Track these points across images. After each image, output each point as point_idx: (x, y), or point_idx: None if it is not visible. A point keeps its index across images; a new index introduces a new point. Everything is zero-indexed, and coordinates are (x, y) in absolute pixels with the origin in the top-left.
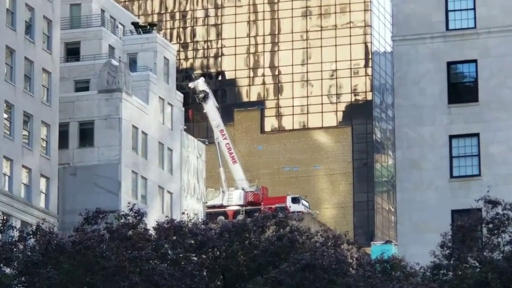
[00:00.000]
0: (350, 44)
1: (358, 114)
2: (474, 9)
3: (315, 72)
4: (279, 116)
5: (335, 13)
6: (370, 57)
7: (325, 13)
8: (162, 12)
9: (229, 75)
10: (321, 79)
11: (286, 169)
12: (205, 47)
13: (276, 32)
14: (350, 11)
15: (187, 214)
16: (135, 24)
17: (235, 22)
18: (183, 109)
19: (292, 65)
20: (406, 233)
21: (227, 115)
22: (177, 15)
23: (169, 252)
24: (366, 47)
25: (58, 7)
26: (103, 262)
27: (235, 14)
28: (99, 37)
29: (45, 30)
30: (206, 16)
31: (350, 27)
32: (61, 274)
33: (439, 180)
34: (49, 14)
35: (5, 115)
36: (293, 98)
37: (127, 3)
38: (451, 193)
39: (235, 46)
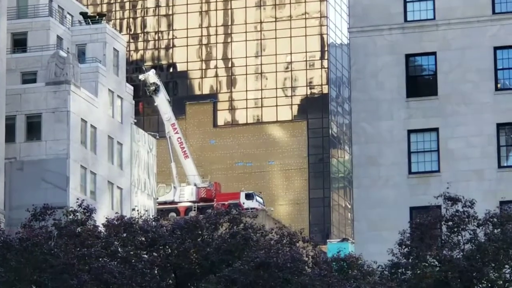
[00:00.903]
0: (306, 35)
1: (313, 108)
2: (433, 0)
3: (269, 64)
4: (232, 109)
5: (290, 3)
6: (326, 49)
7: (280, 4)
8: (112, 2)
9: (180, 67)
10: (276, 71)
11: (240, 164)
12: (156, 38)
13: (229, 23)
14: (305, 2)
15: (138, 211)
16: (83, 14)
17: (187, 13)
18: (133, 102)
19: (246, 57)
20: (363, 231)
21: (178, 108)
22: (127, 5)
23: (119, 249)
24: (322, 38)
25: None
26: (51, 260)
27: (187, 4)
28: (47, 28)
29: None
30: (157, 6)
31: (305, 18)
32: (8, 272)
33: (397, 176)
34: None
35: None
36: (246, 91)
37: None
38: (410, 190)
39: (187, 37)
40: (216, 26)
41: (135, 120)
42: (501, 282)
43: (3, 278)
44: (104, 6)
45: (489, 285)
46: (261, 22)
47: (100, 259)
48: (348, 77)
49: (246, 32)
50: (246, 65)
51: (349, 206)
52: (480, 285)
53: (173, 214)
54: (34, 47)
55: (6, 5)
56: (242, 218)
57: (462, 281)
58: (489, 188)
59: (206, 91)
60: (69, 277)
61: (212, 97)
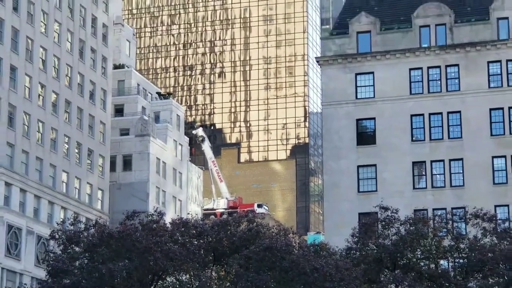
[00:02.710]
0: (295, 107)
1: (300, 151)
2: (373, 85)
3: (273, 124)
4: (250, 152)
5: (285, 87)
6: (307, 115)
7: (279, 87)
8: (176, 85)
9: (218, 126)
10: (277, 129)
11: (254, 186)
12: (203, 108)
13: (248, 99)
14: (295, 86)
15: (191, 214)
16: (158, 93)
17: (222, 93)
18: (189, 147)
19: (258, 119)
20: (330, 228)
21: (216, 152)
22: (185, 88)
23: (179, 238)
24: (305, 109)
25: (110, 82)
26: (137, 244)
27: (222, 87)
28: (136, 102)
29: (102, 97)
30: (203, 88)
31: (295, 96)
32: (111, 252)
33: (351, 194)
34: (104, 86)
35: (76, 150)
36: (258, 141)
37: (153, 80)
38: (359, 202)
39: (222, 107)
40: (240, 101)
41: (190, 158)
42: (415, 259)
43: (107, 256)
44: (171, 88)
45: (407, 261)
46: (267, 99)
47: (168, 244)
48: (321, 132)
49: (258, 105)
50: (258, 125)
51: (321, 212)
52: (402, 262)
53: (212, 216)
54: (128, 113)
55: (111, 87)
56: (255, 219)
57: (391, 258)
58: (407, 201)
59: (233, 141)
60: (148, 255)
61: (237, 145)
